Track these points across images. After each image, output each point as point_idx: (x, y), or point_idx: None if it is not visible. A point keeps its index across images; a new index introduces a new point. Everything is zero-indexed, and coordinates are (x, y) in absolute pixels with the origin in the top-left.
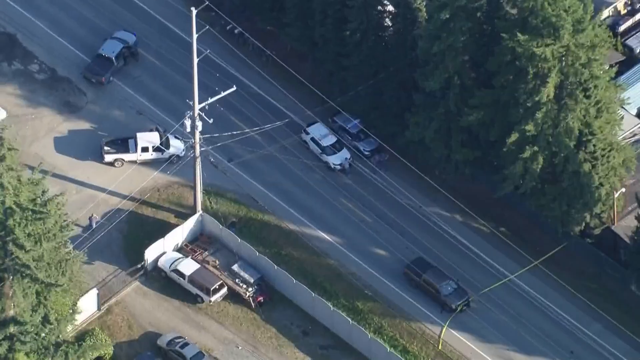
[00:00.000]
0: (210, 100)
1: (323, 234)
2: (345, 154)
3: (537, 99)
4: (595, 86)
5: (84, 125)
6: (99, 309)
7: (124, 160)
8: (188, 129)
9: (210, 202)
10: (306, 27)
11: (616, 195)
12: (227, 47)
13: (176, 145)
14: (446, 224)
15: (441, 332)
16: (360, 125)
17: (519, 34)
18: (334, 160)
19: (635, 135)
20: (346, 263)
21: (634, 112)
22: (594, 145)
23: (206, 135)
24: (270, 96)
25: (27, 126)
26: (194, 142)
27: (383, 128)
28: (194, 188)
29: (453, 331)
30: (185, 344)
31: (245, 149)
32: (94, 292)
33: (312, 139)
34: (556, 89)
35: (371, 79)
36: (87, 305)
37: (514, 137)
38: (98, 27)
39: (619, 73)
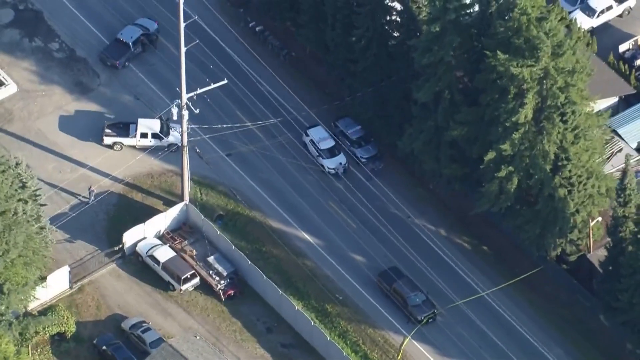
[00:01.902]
0: (199, 90)
1: (305, 235)
2: (341, 159)
3: (513, 119)
4: (573, 112)
5: (91, 106)
6: (70, 286)
7: (123, 144)
8: (175, 117)
9: (201, 194)
10: (320, 29)
11: (592, 223)
12: (247, 44)
13: (176, 135)
14: (429, 237)
15: (403, 342)
16: (361, 132)
17: (499, 53)
18: (329, 164)
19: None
20: (323, 265)
21: (634, 145)
22: (570, 171)
23: (193, 125)
24: (279, 95)
25: (36, 102)
26: (182, 131)
27: (385, 137)
28: (181, 177)
29: (416, 343)
30: (147, 329)
31: (244, 145)
32: (65, 270)
33: (311, 141)
34: (535, 112)
35: (376, 87)
36: (58, 282)
37: (490, 155)
38: (125, 13)
39: (629, 105)
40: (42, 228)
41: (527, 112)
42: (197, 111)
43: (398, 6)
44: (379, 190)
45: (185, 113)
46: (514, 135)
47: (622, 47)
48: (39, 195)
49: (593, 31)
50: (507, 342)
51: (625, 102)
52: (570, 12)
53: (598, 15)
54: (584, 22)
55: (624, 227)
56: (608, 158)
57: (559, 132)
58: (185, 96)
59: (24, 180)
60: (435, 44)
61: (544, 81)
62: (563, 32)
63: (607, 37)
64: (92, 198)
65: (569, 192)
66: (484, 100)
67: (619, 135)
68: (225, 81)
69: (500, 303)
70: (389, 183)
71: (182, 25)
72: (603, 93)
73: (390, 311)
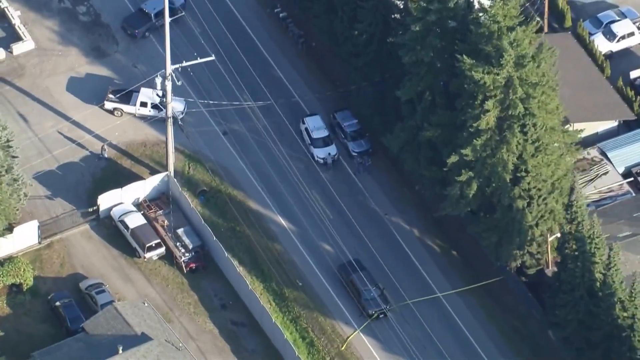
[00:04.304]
0: (185, 63)
1: (281, 220)
2: (331, 149)
3: (475, 124)
4: (534, 124)
5: (103, 71)
6: (39, 241)
7: (123, 110)
8: (158, 87)
9: (189, 168)
10: (331, 21)
11: (550, 239)
12: (268, 29)
13: (175, 108)
14: (402, 236)
15: (351, 334)
16: (357, 126)
17: (465, 57)
18: (318, 153)
19: (611, 191)
20: (291, 251)
21: (621, 170)
22: (529, 184)
23: (177, 98)
24: (289, 81)
25: (51, 61)
26: (167, 102)
27: (381, 134)
28: (166, 148)
29: (363, 336)
30: (102, 291)
31: (242, 125)
32: (34, 224)
33: (306, 129)
34: (499, 120)
35: (375, 83)
36: (26, 236)
37: (453, 158)
38: None
39: (630, 131)
40: (15, 180)
41: (489, 119)
42: (179, 83)
43: (401, 4)
44: (364, 185)
45: (169, 84)
46: (475, 141)
47: (634, 74)
48: (11, 146)
49: (611, 55)
50: (452, 346)
51: (627, 127)
52: (592, 35)
53: (618, 40)
54: (604, 45)
55: (570, 244)
56: (592, 179)
57: (518, 143)
58: (169, 67)
59: None
60: (417, 43)
61: (509, 90)
62: (527, 44)
63: (625, 62)
64: (105, 155)
65: (528, 204)
66: (458, 104)
67: (608, 159)
68: (213, 57)
69: (456, 308)
70: (375, 179)
71: None
72: (603, 115)
73: (345, 302)
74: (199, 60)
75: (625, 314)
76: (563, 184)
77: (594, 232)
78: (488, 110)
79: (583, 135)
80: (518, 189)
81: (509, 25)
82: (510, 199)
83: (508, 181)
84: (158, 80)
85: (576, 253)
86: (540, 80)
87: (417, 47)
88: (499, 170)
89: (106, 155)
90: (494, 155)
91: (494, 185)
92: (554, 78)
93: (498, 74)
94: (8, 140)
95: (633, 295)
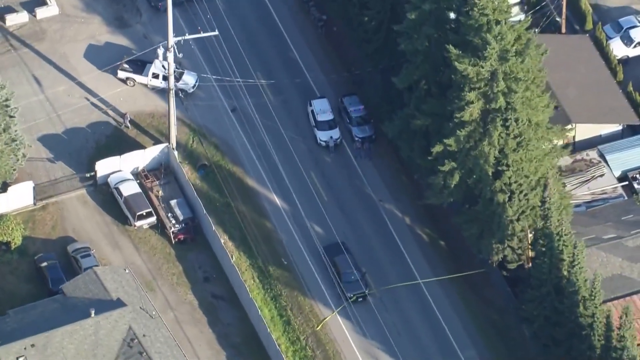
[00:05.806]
0: (188, 36)
1: (276, 198)
2: (334, 133)
3: (458, 115)
4: (516, 119)
5: (123, 41)
6: (34, 203)
7: (135, 80)
8: (160, 57)
9: (193, 141)
10: (345, 7)
11: (530, 235)
12: (292, 11)
13: (186, 81)
14: (392, 223)
15: (329, 315)
16: (362, 111)
17: (451, 48)
18: (321, 136)
19: (604, 193)
20: (281, 229)
21: (618, 173)
22: (510, 178)
23: (190, 72)
24: (304, 63)
25: (72, 27)
26: (169, 74)
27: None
28: (168, 120)
29: (340, 318)
30: (87, 255)
31: (250, 102)
32: (29, 185)
33: (312, 112)
34: (483, 113)
35: (382, 70)
36: (20, 196)
37: (438, 148)
38: None
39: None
40: (13, 140)
41: (472, 110)
42: (180, 55)
43: None
44: (363, 171)
45: (170, 56)
46: (459, 132)
47: None
48: (9, 106)
49: (628, 60)
50: (426, 334)
51: (632, 132)
52: (611, 39)
53: (635, 46)
54: (620, 50)
55: (541, 240)
56: (587, 181)
57: (500, 137)
58: (172, 40)
59: None
60: (414, 32)
61: (494, 84)
62: (512, 39)
63: None
64: (128, 124)
65: (510, 198)
66: (450, 94)
67: (606, 161)
68: (216, 32)
69: (435, 297)
70: (375, 166)
71: None
72: (607, 118)
73: (327, 284)
74: (202, 35)
75: (586, 313)
76: (553, 180)
77: (562, 229)
78: (471, 102)
79: (586, 137)
80: (499, 183)
81: (498, 19)
82: (492, 192)
83: (490, 174)
84: (160, 52)
85: (544, 249)
86: (525, 75)
87: (414, 35)
88: (481, 162)
89: (129, 124)
90: (477, 148)
91: (475, 177)
92: (539, 75)
93: (483, 67)
94: (7, 100)
95: (593, 294)
